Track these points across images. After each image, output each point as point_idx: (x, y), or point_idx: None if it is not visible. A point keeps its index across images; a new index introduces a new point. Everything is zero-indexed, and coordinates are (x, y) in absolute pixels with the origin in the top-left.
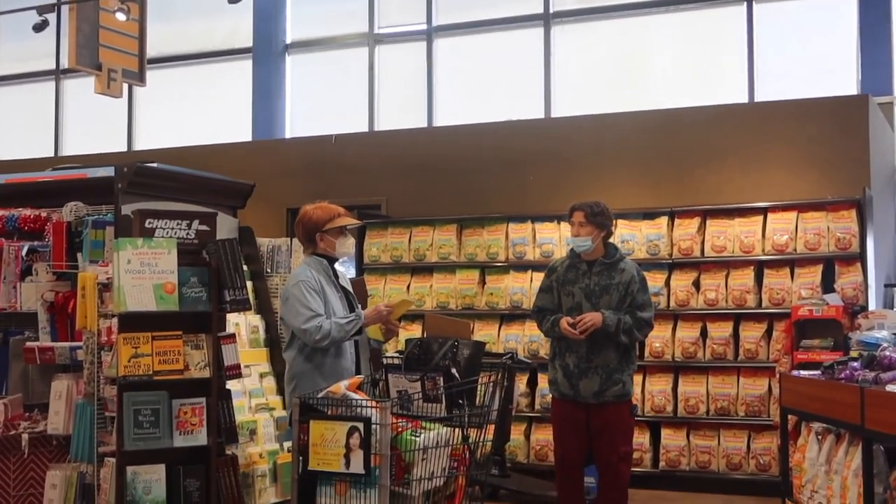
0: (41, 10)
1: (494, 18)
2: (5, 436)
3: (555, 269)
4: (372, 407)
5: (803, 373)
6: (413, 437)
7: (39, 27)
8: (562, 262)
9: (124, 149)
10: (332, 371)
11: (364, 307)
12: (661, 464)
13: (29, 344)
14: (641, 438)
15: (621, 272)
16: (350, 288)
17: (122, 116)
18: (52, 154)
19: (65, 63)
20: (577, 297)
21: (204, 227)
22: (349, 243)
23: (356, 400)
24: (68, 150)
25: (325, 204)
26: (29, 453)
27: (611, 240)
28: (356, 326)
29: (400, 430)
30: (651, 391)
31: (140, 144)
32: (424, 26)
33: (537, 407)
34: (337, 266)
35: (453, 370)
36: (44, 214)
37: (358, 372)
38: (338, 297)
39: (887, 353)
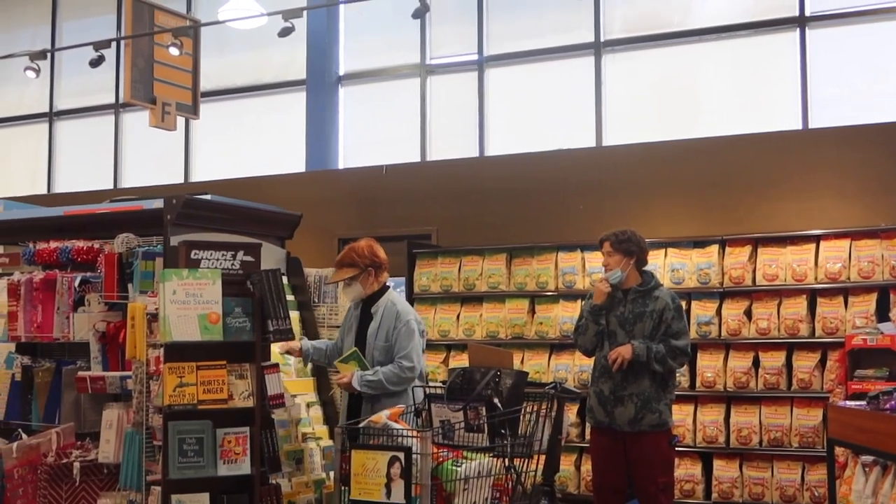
0: (97, 45)
1: (545, 48)
2: (58, 464)
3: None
4: (412, 436)
5: (849, 403)
6: (454, 467)
7: (96, 62)
8: None
9: (181, 180)
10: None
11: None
12: (714, 495)
13: (81, 373)
14: (693, 470)
15: (655, 300)
16: (391, 323)
17: (180, 148)
18: (111, 186)
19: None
20: (612, 326)
21: (248, 258)
22: (347, 292)
23: (397, 429)
24: (128, 182)
25: (359, 245)
26: (80, 481)
27: (648, 268)
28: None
29: (441, 459)
30: (703, 421)
31: (196, 176)
32: (476, 56)
33: (587, 437)
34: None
35: (495, 400)
36: (96, 246)
37: (356, 409)
38: (353, 333)
39: None
